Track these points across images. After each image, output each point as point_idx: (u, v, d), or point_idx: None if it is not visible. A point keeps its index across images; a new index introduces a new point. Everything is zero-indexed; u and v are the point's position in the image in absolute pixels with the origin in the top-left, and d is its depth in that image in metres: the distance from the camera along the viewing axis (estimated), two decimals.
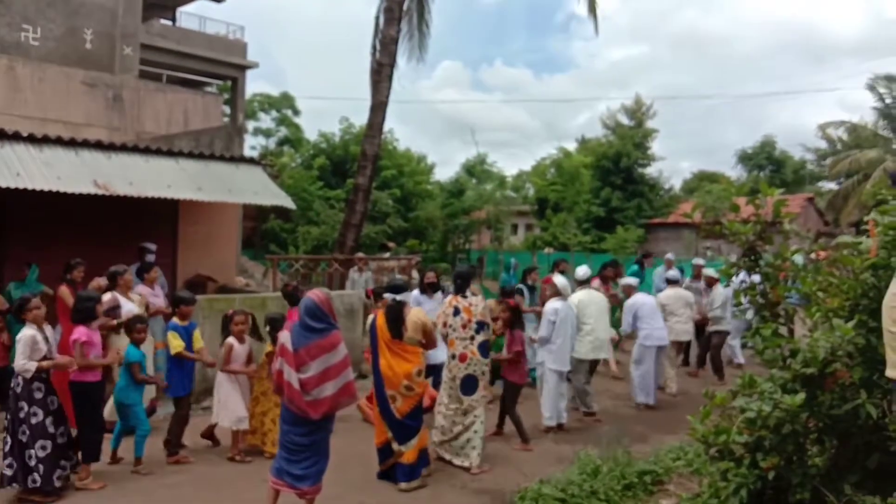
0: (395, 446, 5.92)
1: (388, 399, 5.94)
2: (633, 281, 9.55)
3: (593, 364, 8.56)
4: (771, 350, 4.17)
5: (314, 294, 4.74)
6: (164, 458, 6.50)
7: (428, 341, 6.13)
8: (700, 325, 10.81)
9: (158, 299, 8.30)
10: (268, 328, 6.78)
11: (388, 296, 6.17)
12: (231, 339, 6.72)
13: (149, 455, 6.47)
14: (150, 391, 7.44)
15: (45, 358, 5.54)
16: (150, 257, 9.50)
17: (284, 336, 4.67)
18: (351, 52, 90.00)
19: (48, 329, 5.79)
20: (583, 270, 8.81)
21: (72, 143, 9.50)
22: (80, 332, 5.89)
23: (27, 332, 5.49)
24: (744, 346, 11.20)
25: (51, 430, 5.55)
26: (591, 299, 8.40)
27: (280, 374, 4.63)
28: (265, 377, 6.70)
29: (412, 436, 5.93)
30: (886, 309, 3.20)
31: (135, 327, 6.42)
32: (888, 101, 30.30)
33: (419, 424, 6.01)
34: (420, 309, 6.40)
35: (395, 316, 6.00)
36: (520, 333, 7.22)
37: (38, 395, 5.53)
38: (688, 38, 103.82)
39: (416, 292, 8.68)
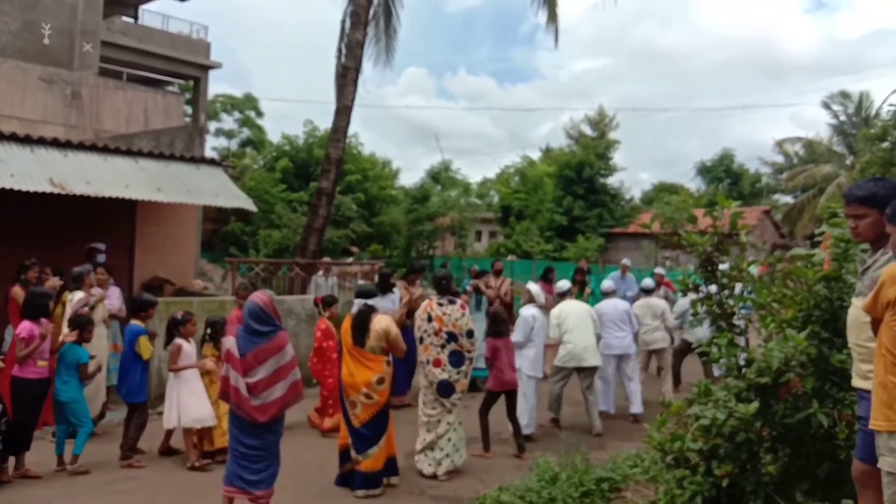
0: (352, 454, 5.87)
1: (347, 406, 5.89)
2: (605, 286, 9.57)
3: (589, 371, 8.30)
4: (726, 359, 4.24)
5: (257, 297, 4.69)
6: (117, 462, 6.37)
7: (393, 349, 6.03)
8: None
9: (113, 301, 8.13)
10: (208, 331, 6.75)
11: (358, 301, 6.07)
12: (179, 340, 6.60)
13: (101, 460, 6.35)
14: (103, 394, 7.30)
15: None
16: (101, 257, 9.25)
17: (230, 342, 4.63)
18: (316, 54, 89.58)
19: None
20: (563, 283, 9.05)
21: (27, 140, 9.29)
22: (24, 328, 5.92)
23: None
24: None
25: None
26: (571, 309, 8.42)
27: (226, 381, 4.58)
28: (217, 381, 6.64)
29: (370, 445, 5.83)
30: (857, 325, 3.23)
31: (85, 328, 6.35)
32: (842, 118, 31.17)
33: (379, 435, 5.89)
34: (387, 316, 6.29)
35: (361, 322, 5.93)
36: (490, 340, 7.15)
37: None
38: (647, 52, 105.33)
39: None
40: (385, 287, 9.04)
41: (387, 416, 5.98)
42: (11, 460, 5.98)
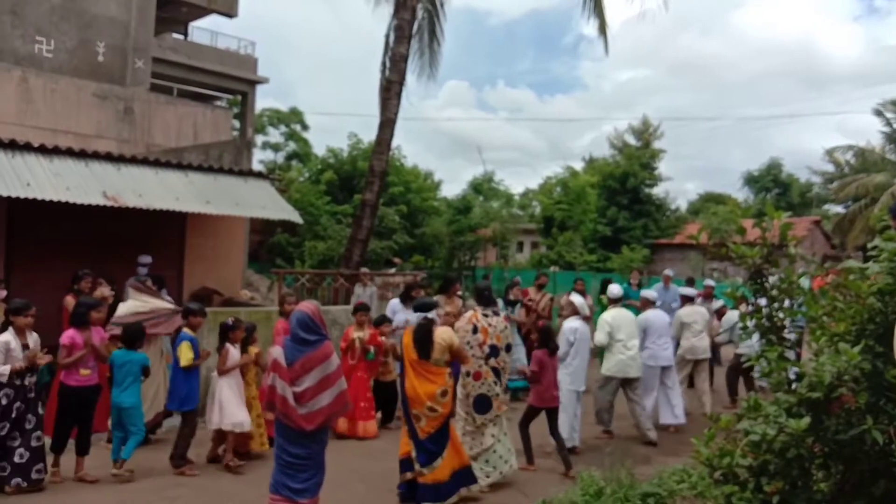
0: (416, 466, 5.84)
1: (412, 418, 5.88)
2: (651, 295, 9.29)
3: (626, 383, 8.27)
4: (776, 373, 4.15)
5: (305, 306, 4.75)
6: (170, 470, 6.51)
7: (460, 358, 6.13)
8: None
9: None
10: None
11: (417, 315, 6.08)
12: (229, 345, 6.91)
13: (153, 467, 6.49)
14: (158, 404, 7.46)
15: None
16: (142, 270, 9.42)
17: (277, 351, 4.68)
18: (360, 68, 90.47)
19: (31, 337, 5.92)
20: (616, 289, 8.68)
21: (82, 155, 9.57)
22: (65, 336, 6.12)
23: (1, 338, 5.64)
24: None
25: (28, 426, 5.80)
26: (623, 317, 8.34)
27: (273, 390, 4.61)
28: (251, 383, 7.12)
29: (434, 458, 5.81)
30: None
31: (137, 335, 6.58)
32: (895, 126, 30.26)
33: (442, 448, 5.86)
34: (448, 328, 6.24)
35: (424, 336, 5.91)
36: (538, 354, 7.09)
37: (4, 402, 5.69)
38: (688, 63, 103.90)
39: (395, 300, 9.31)
40: (409, 298, 9.12)
41: (448, 427, 5.98)
42: (66, 463, 6.15)
